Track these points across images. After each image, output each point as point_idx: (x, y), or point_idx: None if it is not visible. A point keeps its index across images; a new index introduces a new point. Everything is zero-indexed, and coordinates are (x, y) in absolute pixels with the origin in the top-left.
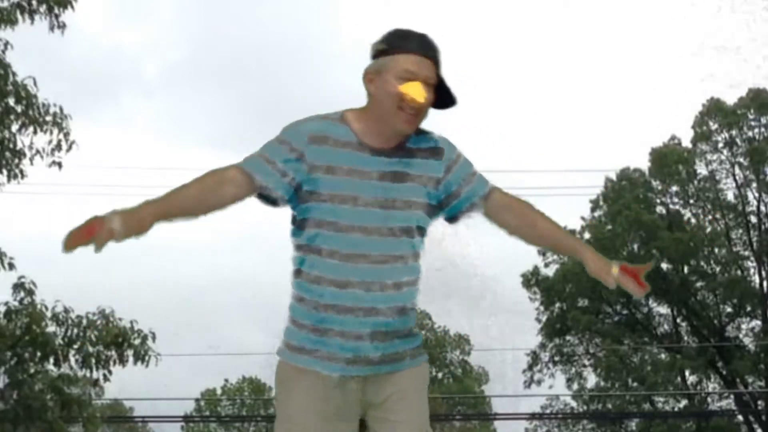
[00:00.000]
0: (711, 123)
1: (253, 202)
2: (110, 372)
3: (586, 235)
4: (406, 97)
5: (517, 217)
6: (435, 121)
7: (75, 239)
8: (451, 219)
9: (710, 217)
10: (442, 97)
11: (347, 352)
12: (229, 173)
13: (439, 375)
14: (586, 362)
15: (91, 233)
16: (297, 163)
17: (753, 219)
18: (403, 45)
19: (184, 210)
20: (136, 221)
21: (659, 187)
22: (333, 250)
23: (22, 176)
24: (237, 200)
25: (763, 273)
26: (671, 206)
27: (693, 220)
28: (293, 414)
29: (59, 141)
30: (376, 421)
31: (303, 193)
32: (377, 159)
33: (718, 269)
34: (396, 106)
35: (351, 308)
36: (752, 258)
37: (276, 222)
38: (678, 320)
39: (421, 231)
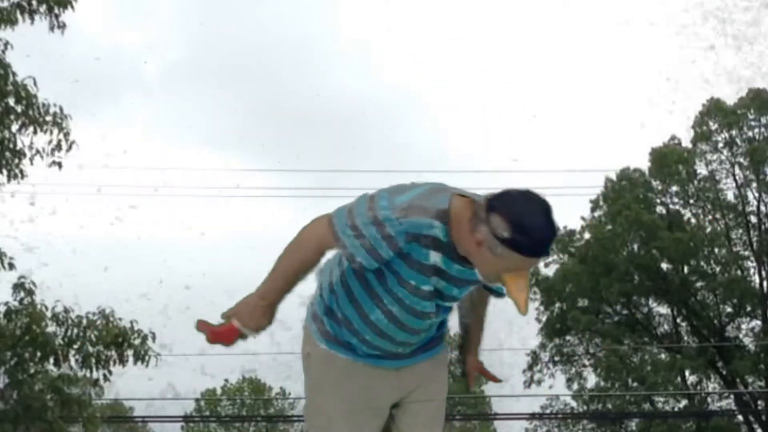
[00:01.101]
0: (711, 123)
1: (252, 202)
2: (110, 372)
3: (586, 235)
4: (506, 288)
5: (473, 303)
6: (437, 122)
7: (210, 333)
8: None
9: (710, 217)
10: None
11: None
12: (324, 239)
13: None
14: (586, 362)
15: (227, 339)
16: (388, 249)
17: (753, 219)
18: (525, 249)
19: (293, 285)
20: (257, 324)
21: (659, 187)
22: (382, 305)
23: (22, 176)
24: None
25: (763, 273)
26: (671, 206)
27: (693, 220)
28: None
29: (59, 141)
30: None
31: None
32: (455, 265)
33: (718, 269)
34: (493, 279)
35: (380, 347)
36: (752, 258)
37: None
38: (678, 320)
39: None
